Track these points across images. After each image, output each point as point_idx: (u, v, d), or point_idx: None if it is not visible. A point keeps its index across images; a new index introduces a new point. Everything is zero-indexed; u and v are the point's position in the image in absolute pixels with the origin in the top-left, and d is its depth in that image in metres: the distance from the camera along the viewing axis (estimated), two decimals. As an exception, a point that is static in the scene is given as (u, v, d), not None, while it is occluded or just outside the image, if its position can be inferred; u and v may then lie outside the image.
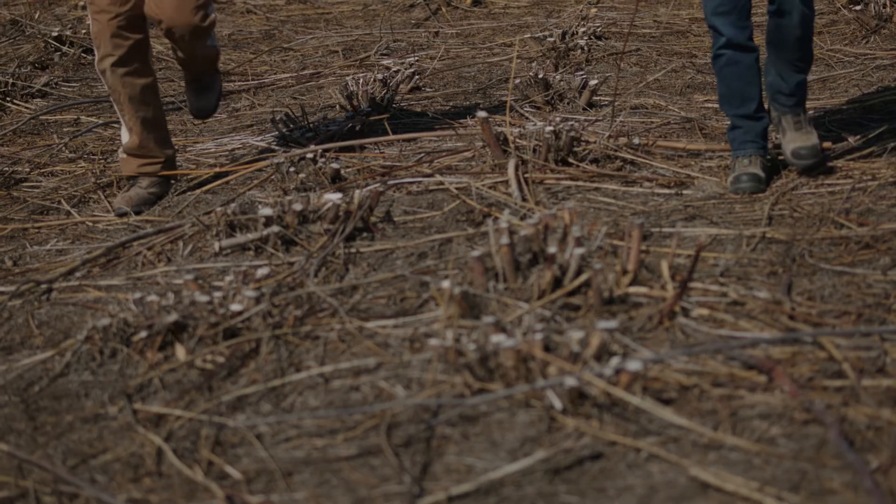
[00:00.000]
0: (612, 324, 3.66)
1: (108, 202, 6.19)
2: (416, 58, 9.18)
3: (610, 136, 6.11)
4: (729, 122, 5.53)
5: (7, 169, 6.77)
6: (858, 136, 5.84)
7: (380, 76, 8.03)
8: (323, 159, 6.26)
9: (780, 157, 5.53)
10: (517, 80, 7.60)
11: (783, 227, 4.94)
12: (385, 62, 8.93)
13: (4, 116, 8.24)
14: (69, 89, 8.81)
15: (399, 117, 7.51)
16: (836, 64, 7.65)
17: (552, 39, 8.79)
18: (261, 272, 4.51)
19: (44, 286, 4.99)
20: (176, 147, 6.54)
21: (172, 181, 6.20)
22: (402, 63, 8.69)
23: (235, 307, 4.23)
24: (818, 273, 4.46)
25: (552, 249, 4.21)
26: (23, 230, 5.91)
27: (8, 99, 8.51)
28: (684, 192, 5.60)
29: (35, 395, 4.04)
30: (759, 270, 4.52)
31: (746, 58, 5.38)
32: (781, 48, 5.42)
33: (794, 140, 5.41)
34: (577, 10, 9.80)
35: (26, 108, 8.42)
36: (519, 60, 8.84)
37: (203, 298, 4.27)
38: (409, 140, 6.88)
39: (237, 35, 10.97)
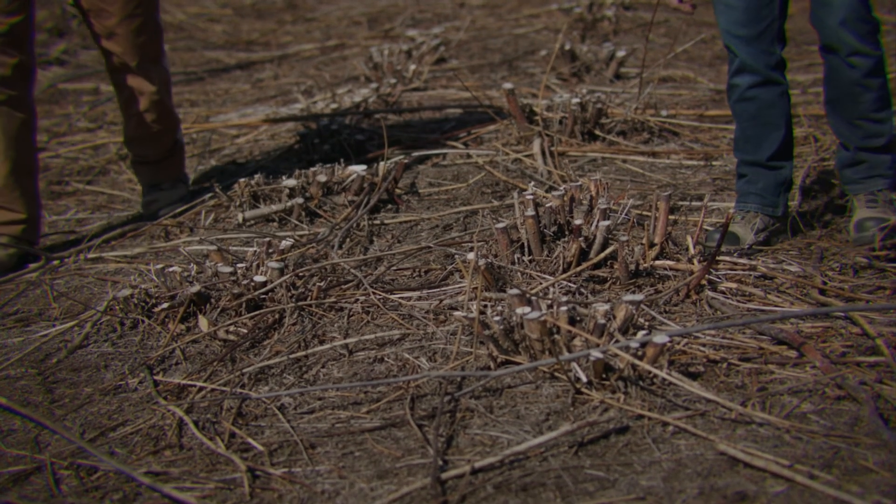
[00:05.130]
0: (639, 297, 3.61)
1: (130, 172, 6.16)
2: (442, 29, 9.13)
3: (637, 108, 6.05)
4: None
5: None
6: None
7: (405, 47, 8.00)
8: (347, 131, 6.22)
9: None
10: (543, 52, 7.53)
11: (815, 199, 4.88)
12: (410, 33, 8.90)
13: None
14: (88, 57, 8.79)
15: (424, 89, 7.47)
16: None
17: (579, 10, 8.73)
18: (284, 243, 4.47)
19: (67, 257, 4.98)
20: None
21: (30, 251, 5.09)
22: (428, 34, 8.65)
23: (259, 278, 4.20)
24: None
25: (578, 221, 4.16)
26: (42, 199, 5.89)
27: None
28: (713, 164, 5.54)
29: (53, 367, 4.01)
30: (789, 243, 4.46)
31: (767, 93, 4.38)
32: (840, 98, 4.35)
33: (862, 213, 4.43)
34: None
35: (43, 75, 8.39)
36: (545, 31, 8.78)
37: (226, 269, 4.24)
38: (434, 112, 6.84)
39: (260, 4, 10.94)
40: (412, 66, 7.58)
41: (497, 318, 3.57)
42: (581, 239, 4.15)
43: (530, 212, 4.20)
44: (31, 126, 5.00)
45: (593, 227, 4.19)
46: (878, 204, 4.37)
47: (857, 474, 2.96)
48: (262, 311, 4.13)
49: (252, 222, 5.22)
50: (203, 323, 4.10)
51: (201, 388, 3.71)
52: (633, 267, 4.14)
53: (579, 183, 4.45)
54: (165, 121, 5.43)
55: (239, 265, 4.28)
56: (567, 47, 7.34)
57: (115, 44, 5.15)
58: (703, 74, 7.26)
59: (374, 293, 4.21)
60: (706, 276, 4.03)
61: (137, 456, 3.35)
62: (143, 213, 5.55)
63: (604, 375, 3.43)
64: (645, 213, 4.73)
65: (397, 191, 5.43)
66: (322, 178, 5.25)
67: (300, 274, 4.32)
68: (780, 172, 4.46)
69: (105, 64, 5.34)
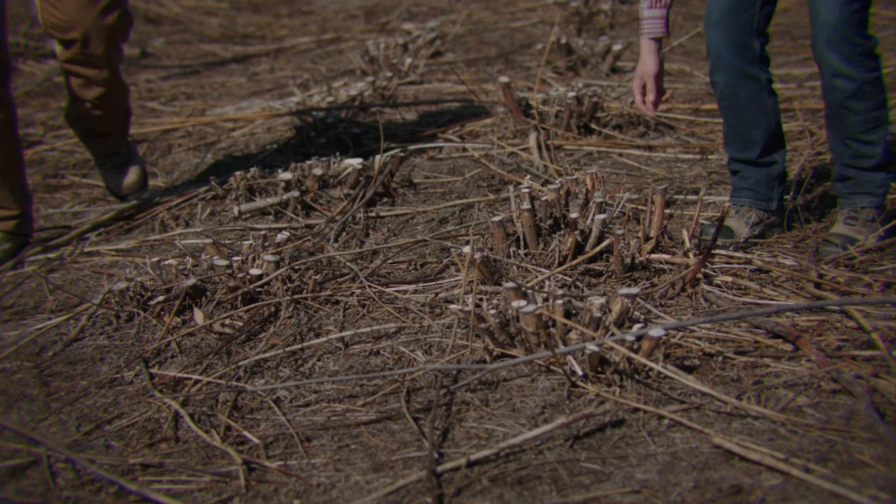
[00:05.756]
0: (634, 290, 3.60)
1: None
2: (438, 22, 9.12)
3: (633, 102, 6.05)
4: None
5: (20, 131, 6.72)
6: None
7: (401, 41, 7.99)
8: (343, 124, 6.22)
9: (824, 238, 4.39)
10: (539, 46, 7.52)
11: (811, 193, 4.88)
12: (406, 27, 8.89)
13: (16, 77, 8.20)
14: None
15: (420, 82, 7.46)
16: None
17: (575, 4, 8.72)
18: (280, 236, 4.47)
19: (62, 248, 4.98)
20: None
21: (26, 243, 5.11)
22: (424, 28, 8.63)
23: (255, 271, 4.19)
24: (845, 240, 4.39)
25: (574, 215, 4.16)
26: (37, 193, 5.87)
27: (20, 59, 8.47)
28: (708, 157, 5.54)
29: (48, 360, 4.00)
30: (785, 237, 4.46)
31: (746, 89, 4.33)
32: (830, 115, 4.26)
33: (836, 229, 4.36)
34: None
35: (39, 69, 8.37)
36: (541, 25, 8.77)
37: (222, 262, 4.23)
38: (430, 105, 6.83)
39: (257, -1, 10.91)
40: (408, 60, 7.57)
41: (493, 312, 3.57)
42: (577, 232, 4.14)
43: (526, 205, 4.20)
44: (12, 123, 4.95)
45: (589, 221, 4.19)
46: (857, 222, 4.30)
47: (853, 468, 2.95)
48: (257, 304, 4.13)
49: (248, 215, 5.21)
50: (199, 316, 4.10)
51: (197, 381, 3.71)
52: (628, 260, 4.13)
53: (575, 176, 4.45)
54: (119, 97, 5.28)
55: (235, 258, 4.28)
56: (563, 41, 7.34)
57: (76, 33, 4.94)
58: (698, 68, 7.26)
59: (369, 286, 4.20)
60: (702, 269, 4.03)
61: (133, 449, 3.34)
62: (116, 194, 5.52)
63: (599, 369, 3.43)
64: (641, 206, 4.73)
65: (393, 184, 5.42)
66: (318, 171, 5.24)
67: (296, 267, 4.31)
68: (772, 168, 4.44)
69: (60, 54, 5.11)
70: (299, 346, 3.86)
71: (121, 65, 5.22)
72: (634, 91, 4.40)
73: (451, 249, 4.44)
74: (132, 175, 5.49)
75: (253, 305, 4.13)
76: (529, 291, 3.64)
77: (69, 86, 5.20)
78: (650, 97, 4.36)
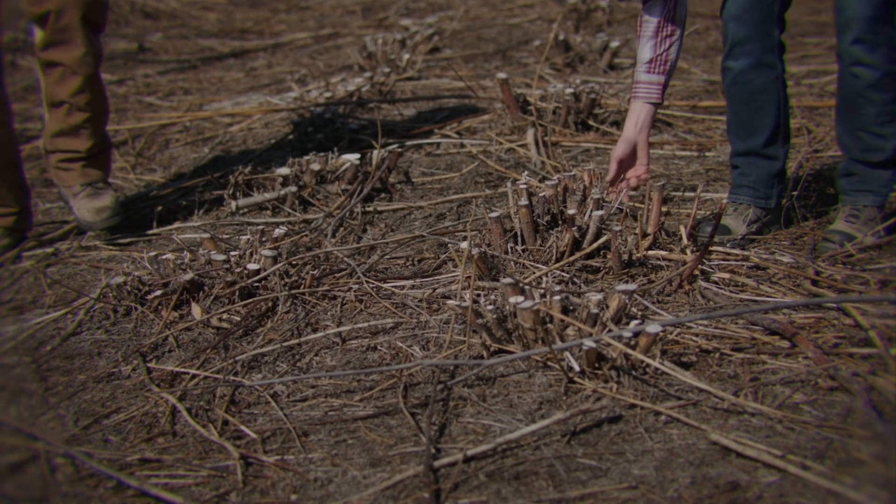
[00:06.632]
0: (632, 286, 3.61)
1: (125, 161, 6.15)
2: (436, 18, 9.13)
3: (630, 99, 6.05)
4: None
5: (19, 126, 6.73)
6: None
7: (399, 37, 7.99)
8: (341, 120, 6.21)
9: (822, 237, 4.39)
10: (537, 42, 7.52)
11: (808, 190, 4.88)
12: (404, 22, 8.89)
13: (14, 73, 8.20)
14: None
15: (418, 78, 7.46)
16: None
17: (573, 0, 8.72)
18: (278, 232, 4.47)
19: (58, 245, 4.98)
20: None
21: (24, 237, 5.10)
22: (422, 24, 8.63)
23: (252, 266, 4.19)
24: (842, 238, 4.39)
25: (571, 211, 4.16)
26: (35, 187, 5.87)
27: (18, 54, 8.46)
28: (706, 154, 5.54)
29: (47, 355, 4.00)
30: (782, 234, 4.46)
31: (761, 77, 4.30)
32: (843, 108, 4.25)
33: (836, 225, 4.35)
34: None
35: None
36: (539, 21, 8.77)
37: (219, 257, 4.23)
38: (428, 102, 6.83)
39: (255, -6, 10.89)
40: (406, 56, 7.58)
41: (490, 307, 3.57)
42: (574, 229, 4.15)
43: (524, 201, 4.20)
44: (8, 120, 4.87)
45: (586, 217, 4.19)
46: (859, 220, 4.29)
47: (850, 466, 2.95)
48: (255, 298, 4.13)
49: (245, 210, 5.21)
50: (196, 310, 4.10)
51: (194, 376, 3.70)
52: (626, 257, 4.14)
53: (573, 173, 4.45)
54: (101, 103, 5.05)
55: (232, 253, 4.28)
56: (561, 37, 7.34)
57: (52, 3, 4.76)
58: (696, 65, 7.26)
59: (367, 282, 4.20)
60: (699, 266, 4.03)
61: (131, 443, 3.34)
62: (88, 224, 5.08)
63: (596, 365, 3.43)
64: (638, 203, 4.73)
65: (391, 180, 5.42)
66: (316, 166, 5.24)
67: (293, 262, 4.31)
68: (773, 163, 4.42)
69: (37, 44, 4.91)
70: (297, 341, 3.86)
71: (100, 60, 4.99)
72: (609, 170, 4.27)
73: (449, 245, 4.44)
74: (105, 199, 5.05)
75: (250, 300, 4.13)
76: (527, 287, 3.64)
77: (45, 91, 4.99)
78: (608, 177, 4.22)
